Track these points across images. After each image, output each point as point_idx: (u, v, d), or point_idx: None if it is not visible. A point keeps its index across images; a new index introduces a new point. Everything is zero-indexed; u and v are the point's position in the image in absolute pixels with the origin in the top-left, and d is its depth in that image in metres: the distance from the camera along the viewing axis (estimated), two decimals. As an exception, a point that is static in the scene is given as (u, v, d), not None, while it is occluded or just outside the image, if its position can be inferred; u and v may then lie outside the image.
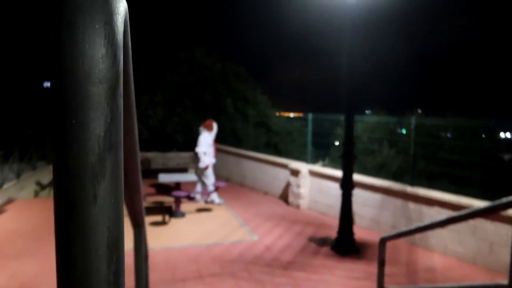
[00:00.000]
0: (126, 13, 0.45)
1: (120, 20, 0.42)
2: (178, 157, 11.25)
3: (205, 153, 7.90)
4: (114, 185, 0.40)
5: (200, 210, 7.59)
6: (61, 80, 0.38)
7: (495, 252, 4.76)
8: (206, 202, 8.14)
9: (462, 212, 2.50)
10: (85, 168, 0.38)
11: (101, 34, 0.39)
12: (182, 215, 7.07)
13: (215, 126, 8.08)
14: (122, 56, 0.42)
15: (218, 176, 11.62)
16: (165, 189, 9.21)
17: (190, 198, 8.27)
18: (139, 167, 1.09)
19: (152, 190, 9.07)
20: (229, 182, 10.44)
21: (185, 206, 7.64)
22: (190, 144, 12.34)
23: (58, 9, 0.38)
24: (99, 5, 0.39)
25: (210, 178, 8.03)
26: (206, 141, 7.90)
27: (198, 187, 8.16)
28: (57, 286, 0.39)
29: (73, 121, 0.38)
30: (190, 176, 7.88)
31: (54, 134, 0.39)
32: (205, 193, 7.92)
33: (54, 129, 0.39)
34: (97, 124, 0.39)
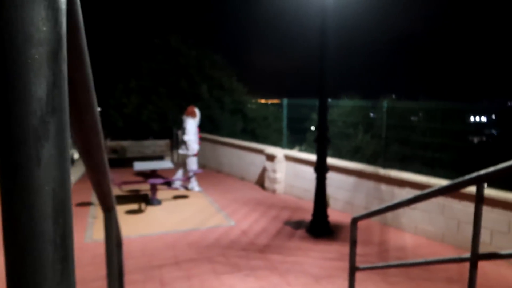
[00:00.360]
0: None
1: None
2: (154, 145, 11.14)
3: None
4: (59, 147, 0.41)
5: (176, 197, 7.57)
6: (0, 41, 0.38)
7: (462, 229, 4.96)
8: (186, 189, 8.13)
9: (428, 190, 2.59)
10: (27, 131, 0.38)
11: None
12: (159, 202, 7.04)
13: (197, 112, 8.08)
14: (64, 20, 0.42)
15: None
16: (141, 177, 9.12)
17: (170, 185, 8.25)
18: (103, 146, 1.08)
19: (128, 178, 8.96)
20: (206, 169, 10.41)
21: (161, 194, 7.60)
22: (166, 132, 12.22)
23: None
24: None
25: (193, 165, 8.03)
26: (193, 129, 7.90)
27: (178, 174, 8.14)
28: (3, 249, 0.39)
29: (14, 84, 0.38)
30: (166, 164, 7.83)
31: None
32: (185, 179, 7.94)
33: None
34: (38, 87, 0.39)
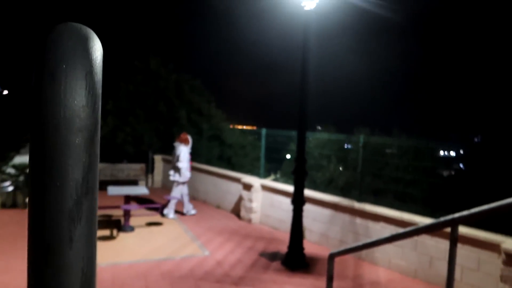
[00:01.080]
0: (102, 57, 0.47)
1: (99, 68, 0.44)
2: (128, 168, 10.95)
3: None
4: (89, 226, 0.42)
5: (150, 224, 7.41)
6: (42, 128, 0.40)
7: (434, 265, 5.05)
8: (162, 215, 8.04)
9: (405, 230, 2.66)
10: (62, 213, 0.40)
11: (82, 85, 0.41)
12: (131, 229, 6.87)
13: (190, 139, 8.23)
14: (100, 104, 0.44)
15: (169, 189, 11.43)
16: (114, 201, 8.89)
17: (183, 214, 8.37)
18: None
19: (99, 203, 8.73)
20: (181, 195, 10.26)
21: (134, 220, 7.43)
22: (141, 155, 12.04)
23: (41, 59, 0.40)
24: (81, 56, 0.41)
25: (178, 193, 8.10)
26: (186, 156, 8.03)
27: (186, 201, 8.31)
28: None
29: (53, 168, 0.40)
30: (141, 190, 7.69)
31: (32, 178, 0.41)
32: (162, 204, 7.92)
33: (32, 174, 0.40)
34: (76, 171, 0.41)
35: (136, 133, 12.52)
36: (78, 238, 0.42)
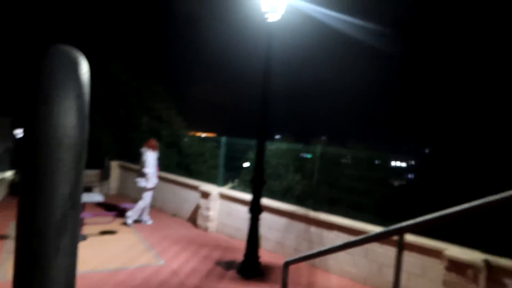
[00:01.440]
0: (89, 79, 0.53)
1: (87, 89, 0.50)
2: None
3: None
4: (74, 237, 0.48)
5: (103, 232, 7.21)
6: (35, 146, 0.45)
7: (383, 272, 5.29)
8: (124, 223, 7.90)
9: (356, 239, 2.80)
10: (50, 224, 0.45)
11: (73, 106, 0.47)
12: (83, 238, 6.65)
13: (158, 145, 8.18)
14: (88, 123, 0.50)
15: (125, 197, 11.16)
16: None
17: (137, 221, 8.18)
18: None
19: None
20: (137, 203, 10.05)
21: (87, 229, 7.20)
22: (96, 161, 11.69)
23: (36, 83, 0.45)
24: (72, 79, 0.47)
25: (147, 200, 8.00)
26: (153, 162, 7.90)
27: (144, 210, 8.18)
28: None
29: (43, 183, 0.45)
30: (96, 197, 7.48)
31: (23, 191, 0.45)
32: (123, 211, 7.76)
33: (23, 187, 0.45)
34: (64, 186, 0.46)
35: (91, 137, 12.14)
36: (63, 248, 0.47)
